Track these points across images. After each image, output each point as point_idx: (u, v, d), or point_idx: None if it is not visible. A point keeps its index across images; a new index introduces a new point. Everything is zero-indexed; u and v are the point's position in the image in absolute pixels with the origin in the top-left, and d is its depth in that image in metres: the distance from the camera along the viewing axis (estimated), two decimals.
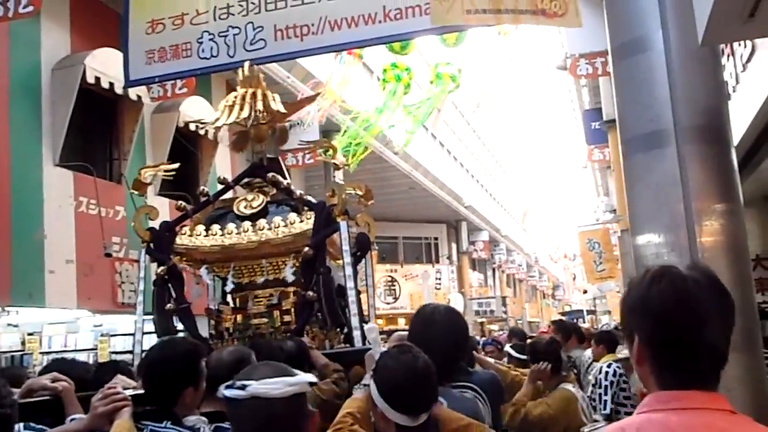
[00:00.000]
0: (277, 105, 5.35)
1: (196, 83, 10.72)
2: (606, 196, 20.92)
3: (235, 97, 5.37)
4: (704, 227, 2.58)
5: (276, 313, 5.09)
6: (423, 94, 15.40)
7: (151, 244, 5.17)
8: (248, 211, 5.10)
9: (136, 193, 5.40)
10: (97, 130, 10.85)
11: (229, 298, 5.35)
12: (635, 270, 12.12)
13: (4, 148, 8.79)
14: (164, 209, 11.69)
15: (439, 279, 27.24)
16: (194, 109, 11.79)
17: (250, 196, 5.23)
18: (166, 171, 5.89)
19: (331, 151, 5.43)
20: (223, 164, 13.38)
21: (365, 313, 5.43)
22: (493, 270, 37.88)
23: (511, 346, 6.55)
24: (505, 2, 4.02)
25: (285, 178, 5.36)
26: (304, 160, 14.60)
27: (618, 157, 13.21)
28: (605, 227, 17.33)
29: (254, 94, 5.35)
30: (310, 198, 5.20)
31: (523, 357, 5.64)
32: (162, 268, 5.04)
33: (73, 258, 9.58)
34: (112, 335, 12.82)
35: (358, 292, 5.13)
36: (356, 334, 4.66)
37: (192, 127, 10.52)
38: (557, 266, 56.82)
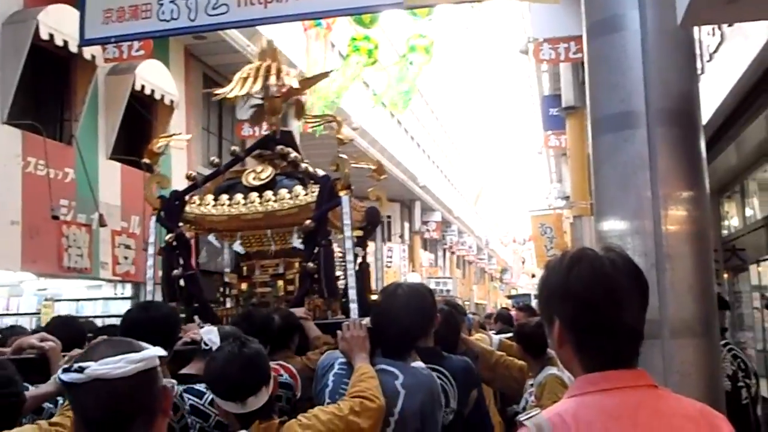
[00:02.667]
0: (290, 80, 5.38)
1: (154, 47, 10.50)
2: (559, 182, 21.16)
3: (250, 70, 5.41)
4: (670, 214, 2.59)
5: (280, 282, 5.24)
6: (387, 76, 15.31)
7: (162, 213, 5.24)
8: (256, 183, 5.20)
9: (148, 161, 5.42)
10: (48, 89, 10.51)
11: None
12: None
13: None
14: (115, 173, 11.51)
15: (390, 257, 27.30)
16: (150, 73, 11.52)
17: (259, 168, 5.31)
18: (180, 141, 6.09)
19: (336, 125, 5.43)
20: (179, 130, 13.10)
21: (373, 286, 5.51)
22: (444, 251, 38.16)
23: (496, 332, 6.66)
24: None
25: (298, 152, 5.41)
26: (260, 131, 14.40)
27: (575, 144, 13.45)
28: (558, 212, 17.56)
29: (269, 68, 5.38)
30: (317, 171, 5.25)
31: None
32: (170, 235, 5.13)
33: (18, 219, 9.30)
34: (56, 300, 12.58)
35: (367, 264, 5.30)
36: (353, 306, 4.74)
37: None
38: (506, 250, 57.54)
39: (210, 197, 5.26)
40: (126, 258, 11.50)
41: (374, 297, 5.66)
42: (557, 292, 1.60)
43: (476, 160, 48.48)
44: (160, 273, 5.45)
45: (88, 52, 9.83)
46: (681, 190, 2.65)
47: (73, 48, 9.44)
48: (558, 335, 1.59)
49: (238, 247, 5.24)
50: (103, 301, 12.77)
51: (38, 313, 12.20)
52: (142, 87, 11.35)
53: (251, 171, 5.32)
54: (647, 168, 2.64)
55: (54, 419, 2.46)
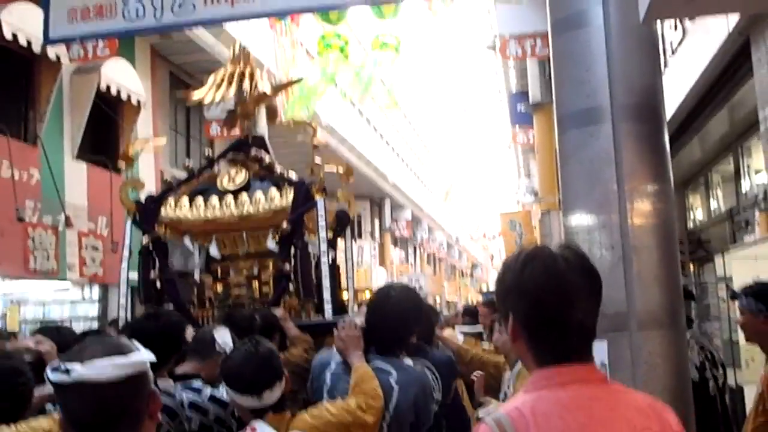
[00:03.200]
0: (264, 84, 5.55)
1: (120, 46, 10.41)
2: (527, 177, 21.33)
3: (224, 75, 5.58)
4: (636, 207, 2.63)
5: (255, 283, 5.39)
6: (355, 73, 15.28)
7: (137, 216, 5.41)
8: (231, 186, 5.34)
9: (124, 164, 5.64)
10: (12, 89, 10.35)
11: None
12: None
13: None
14: (81, 173, 11.37)
15: (361, 255, 27.30)
16: (116, 72, 11.40)
17: (233, 171, 5.43)
18: (155, 144, 6.25)
19: (311, 131, 5.62)
20: (145, 130, 13.00)
21: (344, 286, 5.76)
22: (415, 248, 38.24)
23: (462, 324, 6.76)
24: None
25: (269, 154, 5.55)
26: (229, 132, 14.34)
27: (543, 140, 13.56)
28: (527, 209, 17.69)
29: (242, 73, 5.54)
30: (291, 175, 5.38)
31: (477, 332, 5.97)
32: (146, 238, 5.24)
33: None
34: (22, 303, 12.41)
35: (338, 265, 5.48)
36: (327, 307, 4.88)
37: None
38: (476, 246, 57.81)
39: (185, 200, 5.34)
40: (93, 260, 11.37)
41: (345, 296, 5.82)
42: (512, 290, 1.65)
43: (445, 157, 48.63)
44: (131, 275, 5.46)
45: (52, 51, 9.72)
46: (646, 184, 2.69)
47: (37, 47, 9.33)
48: (512, 330, 1.64)
49: (213, 250, 5.33)
50: (70, 303, 12.64)
51: (3, 317, 12.03)
52: (108, 87, 11.23)
53: (225, 174, 5.42)
54: (613, 163, 2.68)
55: None
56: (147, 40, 12.98)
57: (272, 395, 2.71)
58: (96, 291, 12.34)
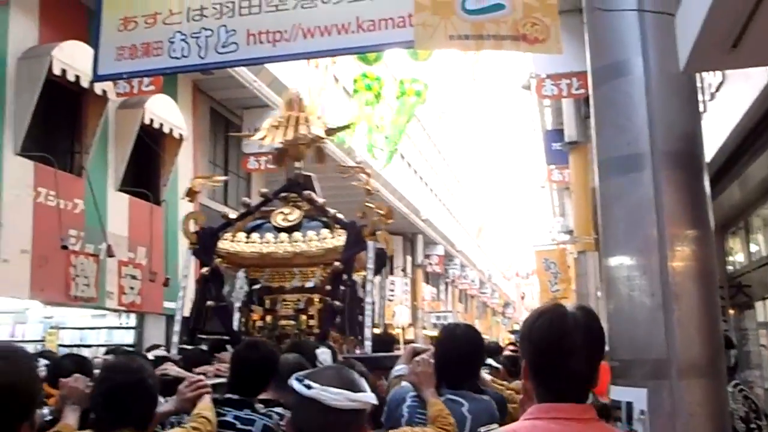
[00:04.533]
0: (317, 129, 5.93)
1: (163, 82, 10.64)
2: (562, 216, 21.20)
3: (281, 119, 5.91)
4: (676, 252, 2.66)
5: (302, 317, 5.73)
6: (390, 108, 15.46)
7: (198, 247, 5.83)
8: (285, 224, 5.73)
9: (188, 199, 5.95)
10: (60, 122, 10.68)
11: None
12: (589, 290, 12.24)
13: None
14: (123, 204, 11.62)
15: (393, 291, 27.28)
16: (159, 108, 11.70)
17: (286, 210, 5.83)
18: (216, 182, 6.97)
19: (365, 178, 6.03)
20: (186, 163, 13.27)
21: (379, 322, 6.01)
22: (446, 284, 38.09)
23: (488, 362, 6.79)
24: (487, 28, 4.06)
25: (317, 195, 5.94)
26: (266, 164, 14.59)
27: (579, 179, 13.51)
28: (562, 248, 17.55)
29: (297, 118, 5.91)
30: (341, 216, 5.75)
31: (497, 366, 6.07)
32: (206, 268, 5.61)
33: (28, 248, 9.40)
34: (61, 328, 12.63)
35: (372, 302, 5.72)
36: (367, 344, 5.24)
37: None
38: (509, 284, 57.35)
39: (242, 235, 5.70)
40: (132, 288, 11.57)
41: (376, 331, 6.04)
42: (524, 338, 1.97)
43: (479, 194, 48.57)
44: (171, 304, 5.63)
45: (99, 86, 9.99)
46: (686, 229, 2.73)
47: (85, 83, 9.63)
48: (524, 371, 1.96)
49: (265, 283, 5.73)
50: (106, 330, 12.83)
51: (43, 341, 12.26)
52: (151, 121, 11.52)
53: (279, 212, 5.78)
54: (653, 208, 2.72)
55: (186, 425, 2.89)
56: (189, 76, 13.29)
57: None
58: (133, 319, 12.53)
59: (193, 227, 5.86)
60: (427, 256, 31.76)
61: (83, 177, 10.58)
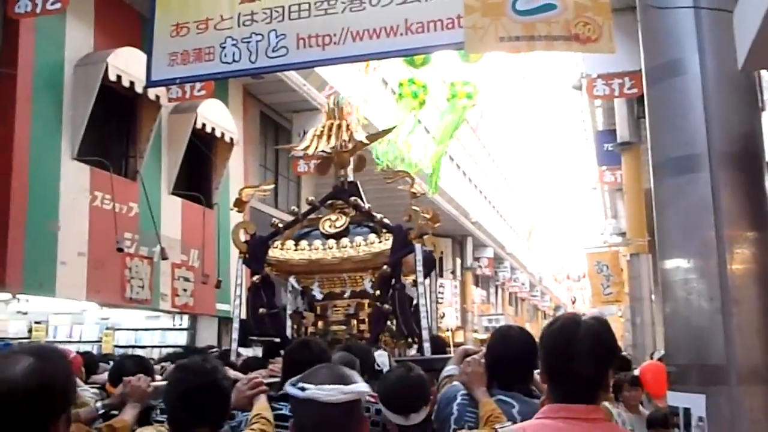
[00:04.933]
0: (359, 135, 5.98)
1: (214, 87, 10.79)
2: (614, 218, 20.85)
3: (323, 127, 6.00)
4: (735, 255, 2.59)
5: (353, 321, 5.79)
6: (439, 114, 15.39)
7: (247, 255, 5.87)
8: (332, 230, 5.80)
9: (237, 210, 6.06)
10: (115, 127, 10.92)
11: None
12: (642, 293, 12.02)
13: (25, 140, 8.85)
14: (176, 208, 11.81)
15: (442, 293, 27.18)
16: (211, 112, 11.86)
17: (333, 217, 5.91)
18: (264, 191, 6.88)
19: (410, 181, 5.95)
20: (237, 166, 13.44)
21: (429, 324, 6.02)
22: (496, 287, 37.83)
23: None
24: (538, 28, 4.01)
25: (363, 201, 6.00)
26: (315, 168, 14.65)
27: (631, 180, 13.30)
28: (614, 250, 17.27)
29: (339, 126, 5.99)
30: (388, 221, 5.79)
31: None
32: (257, 276, 5.71)
33: (85, 251, 9.62)
34: (117, 329, 12.91)
35: (426, 306, 5.72)
36: (426, 345, 5.22)
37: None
38: (560, 287, 56.68)
39: (291, 243, 5.79)
40: (185, 290, 11.75)
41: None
42: (540, 343, 2.17)
43: (529, 196, 48.16)
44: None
45: (152, 92, 10.19)
46: (746, 231, 2.67)
47: (139, 88, 9.79)
48: (540, 374, 2.18)
49: (316, 289, 5.78)
50: (161, 331, 13.06)
51: (99, 341, 12.54)
52: (203, 125, 11.68)
53: (327, 219, 5.85)
54: (711, 210, 2.66)
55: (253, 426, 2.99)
56: (240, 81, 13.45)
57: (418, 416, 3.06)
58: (186, 320, 12.73)
59: (243, 236, 5.93)
60: (476, 259, 31.57)
61: (137, 181, 10.78)
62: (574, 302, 54.89)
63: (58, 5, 7.93)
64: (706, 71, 2.75)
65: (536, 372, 6.48)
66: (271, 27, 5.68)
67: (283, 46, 5.68)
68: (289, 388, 2.03)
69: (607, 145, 15.53)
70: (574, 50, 4.06)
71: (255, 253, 5.78)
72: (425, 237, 5.93)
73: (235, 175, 13.37)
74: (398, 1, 5.23)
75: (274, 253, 5.79)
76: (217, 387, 2.64)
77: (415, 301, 5.51)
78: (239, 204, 6.02)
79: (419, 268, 5.36)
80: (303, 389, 1.99)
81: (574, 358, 2.00)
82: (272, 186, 7.27)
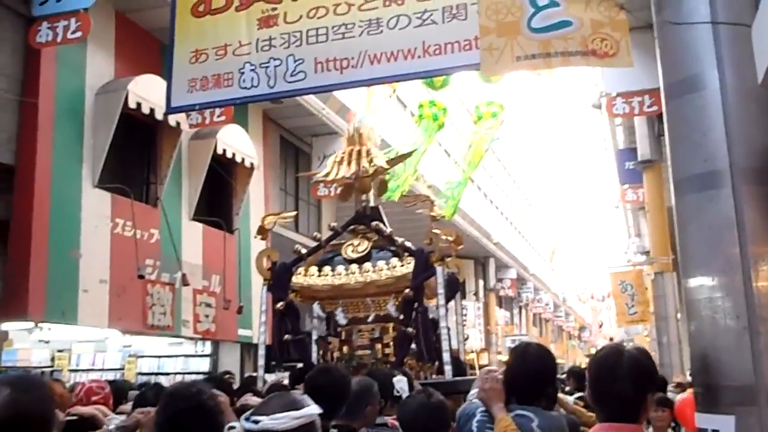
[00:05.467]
0: (379, 161, 6.06)
1: (234, 112, 10.85)
2: (638, 237, 20.67)
3: (344, 154, 6.10)
4: (760, 272, 2.54)
5: (378, 345, 5.87)
6: (462, 139, 15.41)
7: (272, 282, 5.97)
8: (355, 255, 5.87)
9: (260, 237, 6.13)
10: (136, 154, 10.99)
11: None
12: (668, 312, 11.86)
13: (47, 167, 8.93)
14: (197, 233, 11.85)
15: (465, 315, 26.95)
16: (231, 137, 11.92)
17: (356, 242, 5.98)
18: (285, 218, 6.95)
19: (429, 204, 6.07)
20: (257, 191, 13.48)
21: (455, 347, 6.07)
22: (520, 308, 37.56)
23: (568, 391, 6.66)
24: (555, 45, 4.00)
25: (385, 225, 6.05)
26: (335, 191, 14.69)
27: (654, 198, 13.19)
28: (638, 269, 17.09)
29: (360, 152, 6.08)
30: (409, 244, 5.83)
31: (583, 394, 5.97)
32: (281, 303, 5.76)
33: (106, 278, 9.64)
34: (139, 356, 12.92)
35: (447, 328, 5.78)
36: (447, 368, 5.27)
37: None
38: (584, 307, 56.19)
39: (314, 269, 5.86)
40: (207, 316, 11.75)
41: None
42: (588, 368, 2.45)
43: (551, 216, 47.91)
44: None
45: (173, 118, 10.24)
46: None
47: (159, 115, 9.86)
48: (588, 396, 2.44)
49: (340, 314, 5.82)
50: (183, 358, 13.05)
51: (122, 369, 12.56)
52: (224, 150, 11.73)
53: (349, 244, 5.93)
54: (734, 227, 2.62)
55: None
56: (259, 105, 13.52)
57: None
58: (208, 346, 12.72)
59: (266, 263, 5.98)
60: (499, 280, 31.39)
61: (158, 207, 10.84)
62: (601, 326, 54.37)
63: (78, 34, 8.03)
64: (726, 86, 2.72)
65: (574, 397, 6.42)
66: (289, 52, 5.72)
67: (301, 71, 5.72)
68: (243, 423, 2.11)
69: (629, 164, 15.45)
70: (591, 65, 4.04)
71: (279, 279, 5.84)
72: (449, 259, 5.96)
73: (256, 200, 13.41)
74: (416, 23, 5.26)
75: (298, 279, 5.85)
76: (202, 409, 2.69)
77: (442, 324, 5.54)
78: (262, 231, 6.09)
79: (440, 290, 5.38)
80: (256, 422, 2.08)
81: (617, 381, 2.25)
82: (294, 214, 7.42)
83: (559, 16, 4.05)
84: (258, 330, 5.99)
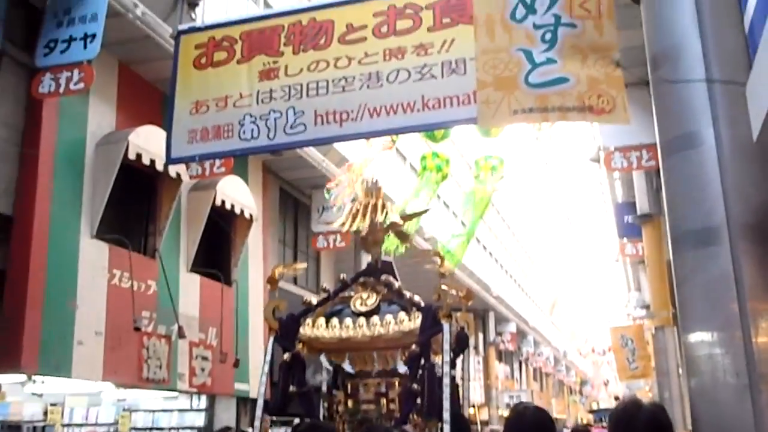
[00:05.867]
0: (393, 215, 6.17)
1: (234, 163, 10.89)
2: (638, 291, 20.59)
3: (359, 206, 6.19)
4: (760, 328, 2.51)
5: (383, 400, 5.87)
6: (462, 194, 15.51)
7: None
8: (363, 308, 5.86)
9: (270, 288, 6.14)
10: (135, 205, 10.98)
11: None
12: (669, 367, 11.74)
13: (45, 218, 8.92)
14: (195, 285, 11.79)
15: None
16: (231, 189, 11.94)
17: (365, 295, 5.99)
18: (296, 270, 6.91)
19: (439, 260, 6.01)
20: (256, 243, 13.45)
21: (461, 403, 6.05)
22: (520, 362, 37.21)
23: None
24: (552, 100, 4.03)
25: (396, 279, 6.06)
26: (335, 243, 14.71)
27: (653, 252, 13.17)
28: (639, 323, 16.98)
29: (375, 205, 6.17)
30: (418, 299, 5.83)
31: None
32: (287, 354, 5.75)
33: (102, 330, 9.55)
34: (134, 411, 12.70)
35: (457, 384, 5.77)
36: (446, 427, 5.16)
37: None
38: (585, 361, 55.64)
39: (322, 320, 5.85)
40: (203, 369, 11.60)
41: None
42: (609, 420, 2.62)
43: (551, 269, 47.76)
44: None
45: (173, 169, 10.28)
46: None
47: (160, 166, 9.88)
48: None
49: (347, 367, 5.89)
50: (178, 412, 12.84)
51: (116, 423, 12.33)
52: (223, 202, 11.74)
53: (358, 297, 5.93)
54: (733, 283, 2.60)
55: None
56: (259, 157, 13.59)
57: None
58: (204, 401, 12.52)
59: (274, 315, 6.04)
60: (499, 334, 31.17)
61: (156, 258, 10.79)
62: (606, 384, 53.77)
63: (81, 85, 8.09)
64: (722, 143, 2.73)
65: None
66: (289, 104, 5.76)
67: (301, 123, 5.75)
68: None
69: (628, 217, 15.47)
70: (588, 120, 4.06)
71: (287, 330, 5.85)
72: (458, 314, 6.01)
73: (254, 251, 13.38)
74: (415, 77, 5.30)
75: (305, 330, 5.87)
76: None
77: (445, 380, 5.54)
78: (272, 282, 6.11)
79: (446, 347, 5.38)
80: None
81: (635, 430, 2.41)
82: (304, 266, 7.48)
83: (556, 72, 4.08)
84: (260, 382, 5.88)
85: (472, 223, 14.94)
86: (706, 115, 2.80)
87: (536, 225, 44.37)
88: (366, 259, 14.66)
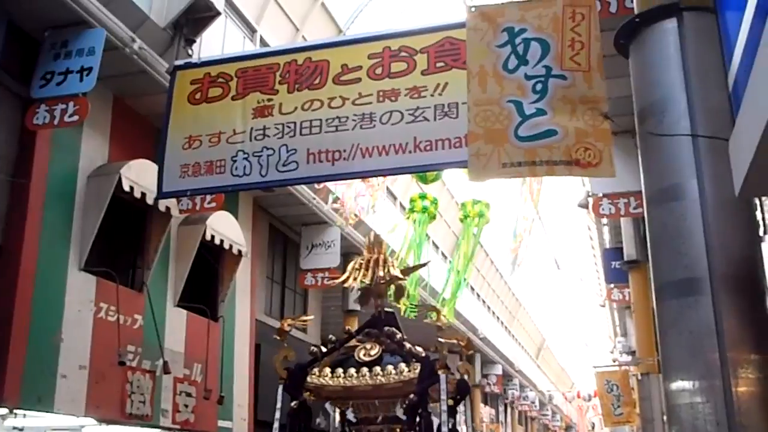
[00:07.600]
0: (395, 270, 6.43)
1: (225, 198, 10.91)
2: (624, 336, 20.62)
3: (362, 261, 6.45)
4: (740, 378, 2.57)
5: None
6: (450, 235, 15.65)
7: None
8: (366, 359, 6.14)
9: (279, 338, 6.33)
10: (124, 238, 10.94)
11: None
12: (654, 414, 11.73)
13: (34, 248, 8.87)
14: (181, 320, 11.71)
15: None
16: (220, 224, 11.93)
17: (368, 345, 6.27)
18: (304, 322, 7.30)
19: (435, 314, 6.25)
20: (244, 278, 13.41)
21: None
22: (506, 405, 36.95)
23: None
24: (540, 154, 4.13)
25: (399, 329, 6.32)
26: (323, 281, 14.72)
27: (639, 299, 13.22)
28: (624, 369, 16.98)
29: (377, 260, 6.40)
30: (419, 350, 6.07)
31: None
32: (294, 402, 6.00)
33: (86, 364, 9.44)
34: None
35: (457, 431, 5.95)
36: None
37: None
38: (570, 406, 55.31)
39: (327, 370, 6.12)
40: (186, 406, 11.47)
41: None
42: None
43: (537, 312, 47.69)
44: None
45: (163, 203, 10.26)
46: (750, 354, 2.65)
47: (150, 200, 9.87)
48: None
49: (350, 415, 6.19)
50: None
51: None
52: (212, 237, 11.71)
53: (362, 348, 6.21)
54: (714, 333, 2.66)
55: None
56: (250, 193, 13.60)
57: None
58: None
59: (283, 364, 6.28)
60: (485, 376, 31.01)
61: (144, 292, 10.73)
62: (592, 429, 53.37)
63: (75, 118, 8.15)
64: (705, 196, 2.81)
65: None
66: (282, 142, 5.83)
67: (293, 161, 5.82)
68: None
69: (615, 263, 15.57)
70: (575, 174, 4.15)
71: (295, 379, 6.06)
72: (460, 363, 6.27)
73: (242, 287, 13.33)
74: (408, 119, 5.39)
75: (312, 379, 6.11)
76: None
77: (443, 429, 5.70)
78: (281, 333, 6.33)
79: (443, 397, 5.60)
80: None
81: None
82: (311, 317, 7.82)
83: (545, 124, 4.17)
84: (273, 428, 6.13)
85: (463, 268, 15.03)
86: (690, 169, 2.89)
87: (524, 267, 44.35)
88: (353, 296, 14.71)
